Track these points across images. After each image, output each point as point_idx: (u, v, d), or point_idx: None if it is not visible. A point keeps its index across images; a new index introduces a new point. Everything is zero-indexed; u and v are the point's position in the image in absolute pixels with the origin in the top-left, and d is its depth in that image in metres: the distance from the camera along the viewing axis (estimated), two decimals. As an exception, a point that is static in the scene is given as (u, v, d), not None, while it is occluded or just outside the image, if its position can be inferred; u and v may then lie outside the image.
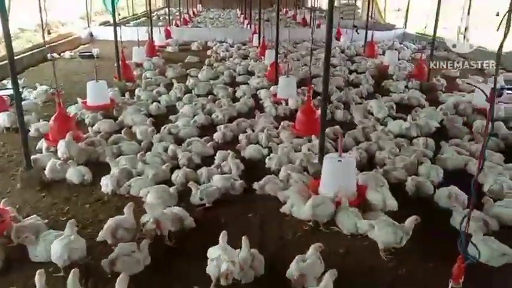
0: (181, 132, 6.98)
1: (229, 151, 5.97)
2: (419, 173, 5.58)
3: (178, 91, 9.25)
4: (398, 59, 13.33)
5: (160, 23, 23.79)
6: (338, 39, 17.65)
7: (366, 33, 15.01)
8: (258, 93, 9.37)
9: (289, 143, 6.39)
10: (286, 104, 8.50)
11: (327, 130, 6.61)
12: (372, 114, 8.05)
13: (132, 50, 12.88)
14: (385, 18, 24.79)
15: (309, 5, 34.43)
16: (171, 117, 7.74)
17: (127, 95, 8.93)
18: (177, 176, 5.26)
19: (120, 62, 10.15)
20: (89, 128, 7.01)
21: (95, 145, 6.25)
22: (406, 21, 19.75)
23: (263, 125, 7.14)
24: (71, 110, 7.90)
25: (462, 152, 6.20)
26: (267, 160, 5.91)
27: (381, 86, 10.52)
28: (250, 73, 11.82)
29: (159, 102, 8.71)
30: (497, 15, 13.33)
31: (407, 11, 19.24)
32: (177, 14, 26.13)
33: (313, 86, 7.47)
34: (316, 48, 16.16)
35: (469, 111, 8.13)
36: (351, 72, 11.99)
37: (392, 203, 4.57)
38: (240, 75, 11.36)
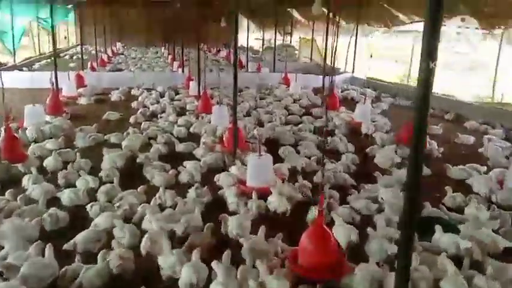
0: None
1: None
2: None
3: (91, 180, 6.09)
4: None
5: (72, 65, 20.30)
6: (287, 86, 15.42)
7: (324, 79, 12.86)
8: (216, 178, 6.44)
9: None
10: (261, 197, 5.66)
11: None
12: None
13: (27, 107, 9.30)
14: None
15: (238, 44, 32.70)
16: (76, 238, 4.53)
17: (8, 193, 5.56)
18: None
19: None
20: None
21: None
22: (353, 64, 18.15)
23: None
24: None
25: None
26: None
27: (365, 154, 8.16)
28: (194, 136, 8.95)
29: (59, 204, 5.51)
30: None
31: (354, 52, 17.67)
32: (93, 51, 22.60)
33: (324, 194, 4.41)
34: (264, 97, 13.83)
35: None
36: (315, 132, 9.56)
37: None
38: (180, 141, 8.41)
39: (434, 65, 2.66)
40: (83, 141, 8.11)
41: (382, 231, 4.73)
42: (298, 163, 7.17)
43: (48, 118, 9.49)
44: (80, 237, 4.45)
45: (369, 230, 4.69)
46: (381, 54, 24.49)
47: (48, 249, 4.06)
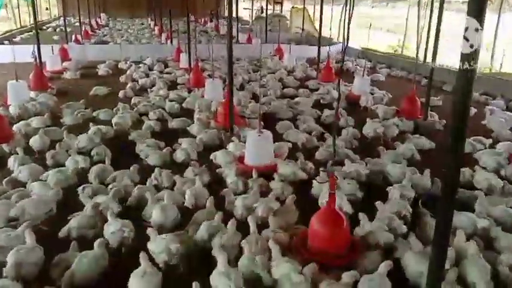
0: None
1: None
2: None
3: (81, 159, 5.73)
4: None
5: (56, 37, 19.51)
6: (280, 57, 14.96)
7: (319, 50, 12.45)
8: (212, 156, 6.14)
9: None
10: (262, 175, 5.40)
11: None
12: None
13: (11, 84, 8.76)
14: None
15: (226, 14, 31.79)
16: (71, 224, 4.21)
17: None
18: None
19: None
20: None
21: None
22: (348, 34, 17.60)
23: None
24: None
25: None
26: None
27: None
28: (187, 111, 8.58)
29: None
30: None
31: (349, 22, 17.10)
32: (77, 23, 21.69)
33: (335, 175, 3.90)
34: (258, 69, 13.40)
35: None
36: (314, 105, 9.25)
37: None
38: (173, 117, 8.03)
39: (471, 65, 2.32)
40: (71, 118, 7.69)
41: (394, 204, 4.51)
42: (299, 139, 6.87)
43: (32, 94, 9.00)
44: (74, 223, 4.14)
45: (378, 203, 4.48)
46: (373, 24, 24.01)
47: (29, 234, 3.69)
